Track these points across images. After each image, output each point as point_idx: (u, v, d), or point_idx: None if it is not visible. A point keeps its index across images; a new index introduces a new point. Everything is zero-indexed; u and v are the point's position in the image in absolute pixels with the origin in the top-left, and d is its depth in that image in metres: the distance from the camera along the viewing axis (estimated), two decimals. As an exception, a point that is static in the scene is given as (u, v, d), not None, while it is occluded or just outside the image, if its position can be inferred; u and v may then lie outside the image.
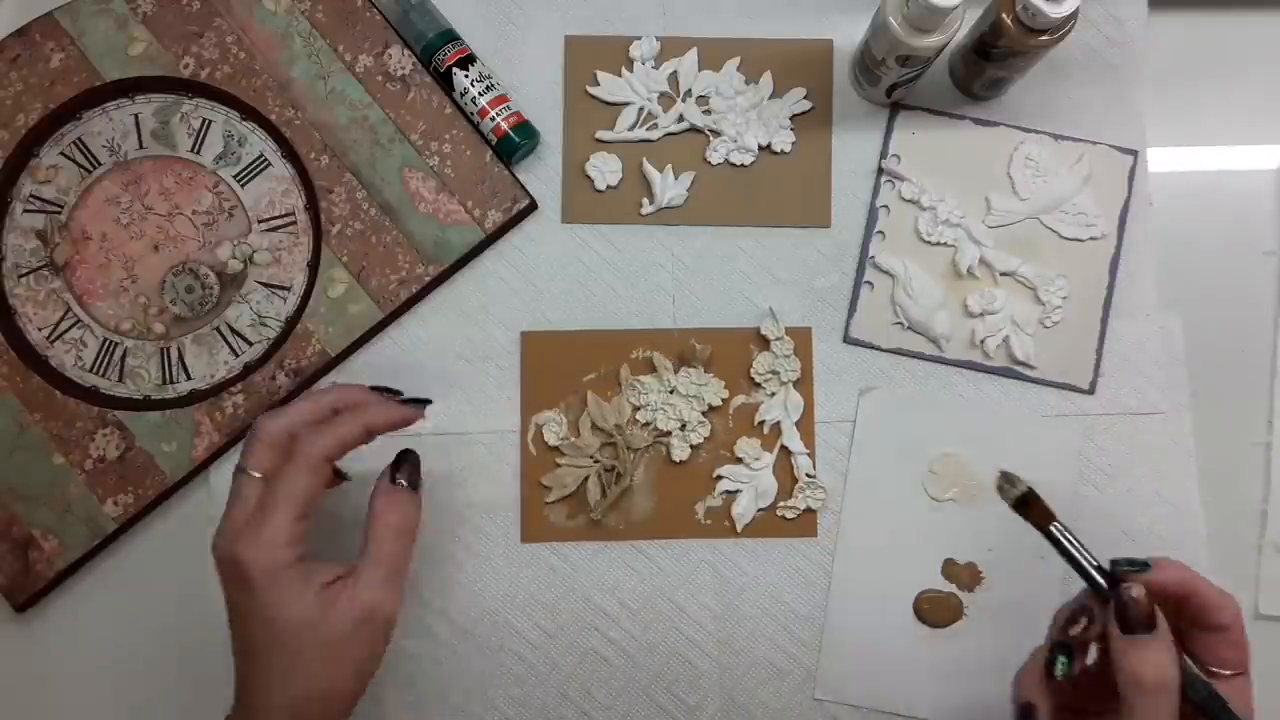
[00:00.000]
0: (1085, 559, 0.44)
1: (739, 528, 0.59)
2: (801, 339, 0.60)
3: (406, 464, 0.50)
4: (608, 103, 0.62)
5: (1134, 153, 0.61)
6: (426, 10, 0.61)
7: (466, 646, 0.59)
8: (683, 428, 0.60)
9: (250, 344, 0.60)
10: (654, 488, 0.60)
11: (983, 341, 0.60)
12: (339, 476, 0.54)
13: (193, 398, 0.59)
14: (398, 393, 0.52)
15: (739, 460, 0.60)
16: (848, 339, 0.61)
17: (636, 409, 0.60)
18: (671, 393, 0.60)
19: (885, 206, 0.61)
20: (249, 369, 0.60)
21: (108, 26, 0.60)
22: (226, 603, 0.47)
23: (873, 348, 0.61)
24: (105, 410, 0.58)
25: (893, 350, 0.61)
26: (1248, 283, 0.62)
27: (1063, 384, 0.60)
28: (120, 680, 0.59)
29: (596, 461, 0.60)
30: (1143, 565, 0.44)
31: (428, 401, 0.53)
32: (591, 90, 0.62)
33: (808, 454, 0.60)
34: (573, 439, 0.60)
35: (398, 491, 0.49)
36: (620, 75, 0.62)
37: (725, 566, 0.60)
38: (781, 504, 0.59)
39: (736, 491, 0.60)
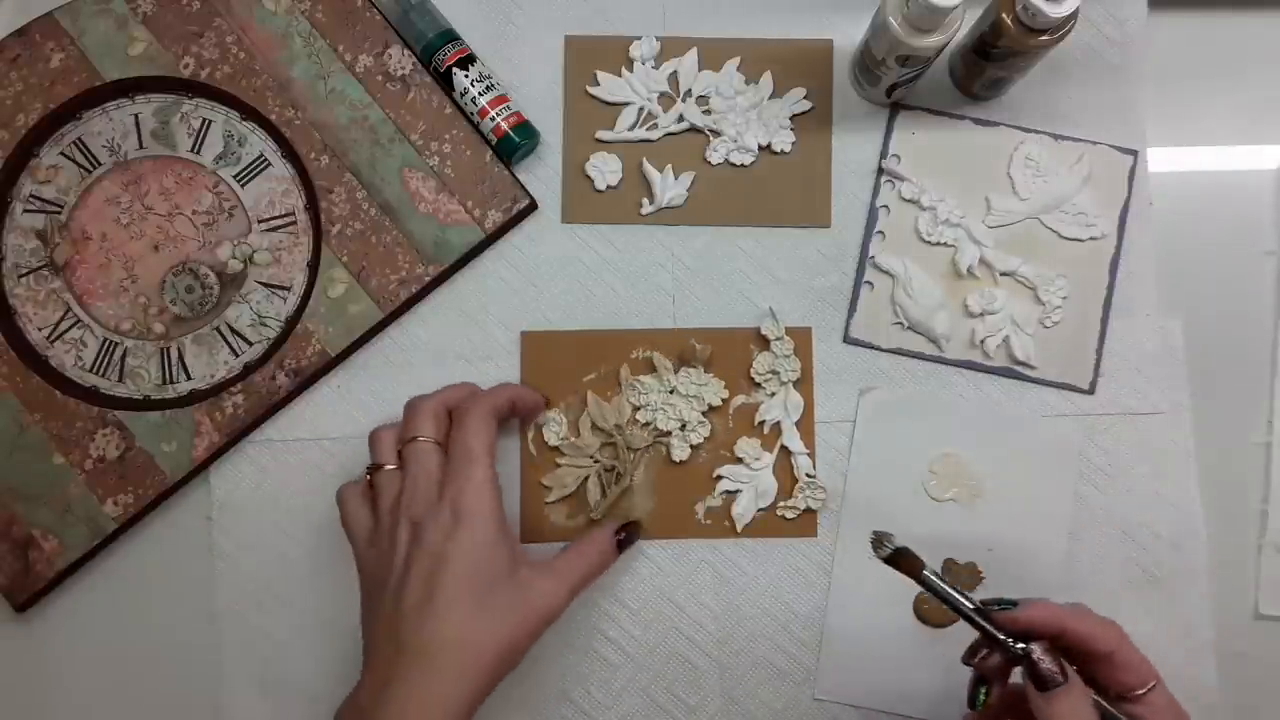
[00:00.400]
0: (959, 601, 0.46)
1: (739, 528, 0.59)
2: (801, 339, 0.60)
3: (632, 534, 0.58)
4: (608, 103, 0.62)
5: (1134, 153, 0.61)
6: (426, 10, 0.61)
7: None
8: (683, 428, 0.59)
9: (250, 344, 0.60)
10: (654, 488, 0.60)
11: (983, 341, 0.60)
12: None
13: (193, 398, 0.59)
14: None
15: (739, 460, 0.60)
16: (848, 339, 0.61)
17: (636, 409, 0.60)
18: (671, 393, 0.60)
19: (885, 206, 0.61)
20: (249, 369, 0.60)
21: (108, 26, 0.60)
22: (404, 552, 0.49)
23: (873, 348, 0.61)
24: (105, 410, 0.58)
25: (893, 350, 0.61)
26: (1248, 283, 0.62)
27: (1063, 384, 0.60)
28: (120, 680, 0.59)
29: (596, 461, 0.60)
30: (1010, 604, 0.46)
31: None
32: (591, 90, 0.62)
33: (808, 454, 0.60)
34: (572, 439, 0.60)
35: (614, 540, 0.56)
36: (620, 75, 0.62)
37: (725, 566, 0.60)
38: (781, 504, 0.59)
39: (736, 491, 0.60)
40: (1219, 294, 0.61)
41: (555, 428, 0.60)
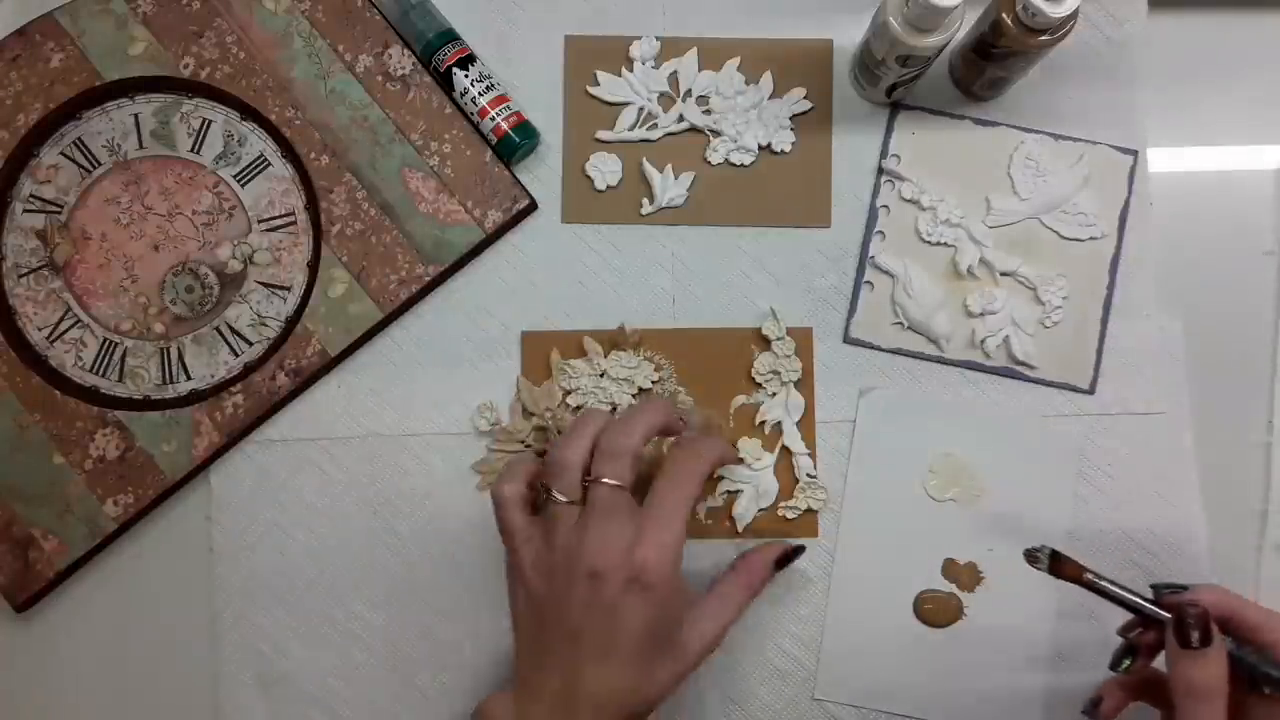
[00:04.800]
0: (1129, 596, 0.48)
1: (740, 528, 0.59)
2: (802, 339, 0.60)
3: (792, 558, 0.56)
4: (608, 103, 0.62)
5: (1134, 153, 0.61)
6: (426, 10, 0.61)
7: (471, 646, 0.59)
8: (613, 410, 0.59)
9: (250, 344, 0.60)
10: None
11: (983, 341, 0.60)
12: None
13: (193, 398, 0.59)
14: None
15: (740, 460, 0.60)
16: (848, 339, 0.61)
17: (567, 393, 0.60)
18: (602, 376, 0.60)
19: (885, 206, 0.61)
20: (249, 369, 0.60)
21: (108, 26, 0.60)
22: (584, 600, 0.48)
23: (873, 348, 0.61)
24: (105, 410, 0.58)
25: (893, 350, 0.61)
26: (1248, 283, 0.62)
27: (1063, 384, 0.60)
28: (120, 680, 0.59)
29: (527, 447, 0.59)
30: (1182, 588, 0.48)
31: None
32: (591, 90, 0.62)
33: (809, 454, 0.59)
34: (502, 424, 0.60)
35: (771, 568, 0.55)
36: (620, 75, 0.62)
37: (726, 566, 0.59)
38: (783, 504, 0.59)
39: (737, 492, 0.59)
40: (1219, 294, 0.61)
41: (488, 414, 0.60)
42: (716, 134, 0.61)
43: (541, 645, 0.49)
